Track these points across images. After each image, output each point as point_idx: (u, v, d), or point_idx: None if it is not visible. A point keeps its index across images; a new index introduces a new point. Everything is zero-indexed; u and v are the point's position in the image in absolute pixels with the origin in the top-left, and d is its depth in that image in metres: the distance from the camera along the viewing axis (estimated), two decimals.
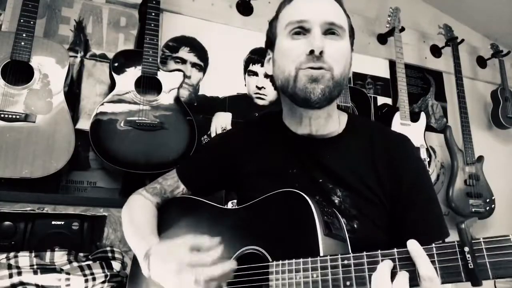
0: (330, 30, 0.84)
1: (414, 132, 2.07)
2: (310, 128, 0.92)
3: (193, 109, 1.69)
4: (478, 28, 2.68)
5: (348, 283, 0.63)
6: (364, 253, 0.63)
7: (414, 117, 2.11)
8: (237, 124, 1.86)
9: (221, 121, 1.87)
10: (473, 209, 2.08)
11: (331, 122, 0.94)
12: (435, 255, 0.58)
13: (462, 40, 2.39)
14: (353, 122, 0.97)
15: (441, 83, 2.50)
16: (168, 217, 1.01)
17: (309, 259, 0.68)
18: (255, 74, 2.00)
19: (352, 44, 0.92)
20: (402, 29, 2.21)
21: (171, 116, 1.56)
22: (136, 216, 0.98)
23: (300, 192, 0.77)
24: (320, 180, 0.88)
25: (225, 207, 0.98)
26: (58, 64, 1.44)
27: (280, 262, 0.72)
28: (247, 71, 1.99)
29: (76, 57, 1.67)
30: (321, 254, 0.69)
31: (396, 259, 0.61)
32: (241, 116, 1.90)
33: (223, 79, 1.92)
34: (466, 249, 0.55)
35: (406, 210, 0.86)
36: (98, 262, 1.16)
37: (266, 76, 2.01)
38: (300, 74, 0.83)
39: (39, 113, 1.37)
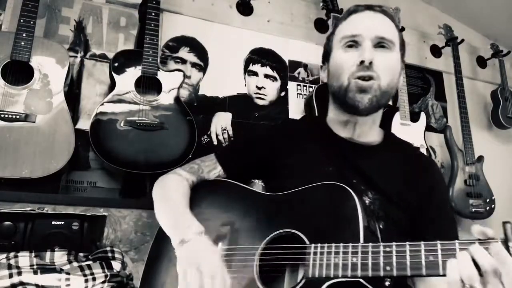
0: (380, 44, 0.94)
1: (414, 132, 2.07)
2: (353, 132, 1.01)
3: (193, 109, 1.69)
4: (478, 28, 2.68)
5: (388, 268, 0.66)
6: (407, 243, 0.66)
7: (414, 117, 2.11)
8: (237, 124, 1.87)
9: (221, 121, 1.87)
10: (473, 209, 2.08)
11: (373, 131, 1.04)
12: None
13: (462, 40, 2.39)
14: (389, 137, 1.08)
15: (441, 83, 2.50)
16: (205, 197, 1.03)
17: (350, 244, 0.71)
18: (255, 74, 2.00)
19: (402, 56, 1.01)
20: (402, 29, 2.21)
21: (171, 116, 1.56)
22: (170, 192, 1.02)
23: (345, 186, 0.80)
24: (354, 181, 0.93)
25: (263, 192, 0.98)
26: (58, 64, 1.44)
27: (319, 245, 0.75)
28: (247, 71, 1.99)
29: (76, 57, 1.67)
30: (361, 241, 0.72)
31: (457, 249, 0.63)
32: (241, 116, 1.90)
33: (223, 79, 1.92)
34: (511, 244, 0.61)
35: (429, 225, 0.94)
36: (98, 262, 1.16)
37: (266, 76, 2.01)
38: (352, 84, 0.92)
39: (39, 113, 1.37)
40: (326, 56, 1.05)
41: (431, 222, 0.95)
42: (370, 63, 0.91)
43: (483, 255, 0.60)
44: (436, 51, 2.50)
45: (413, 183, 0.96)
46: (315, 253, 0.74)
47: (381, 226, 0.88)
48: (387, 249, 0.67)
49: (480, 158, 2.22)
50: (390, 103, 2.27)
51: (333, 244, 0.73)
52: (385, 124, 2.03)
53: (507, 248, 0.61)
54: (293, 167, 1.00)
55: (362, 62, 0.91)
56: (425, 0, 2.55)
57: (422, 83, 2.43)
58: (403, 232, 0.92)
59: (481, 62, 2.66)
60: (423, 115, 2.14)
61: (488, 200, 2.13)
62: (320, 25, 2.19)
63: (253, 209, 0.93)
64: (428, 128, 2.22)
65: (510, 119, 2.42)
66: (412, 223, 0.94)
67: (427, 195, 0.96)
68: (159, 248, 1.00)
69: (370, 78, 0.91)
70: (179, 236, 0.86)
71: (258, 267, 0.82)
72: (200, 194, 1.04)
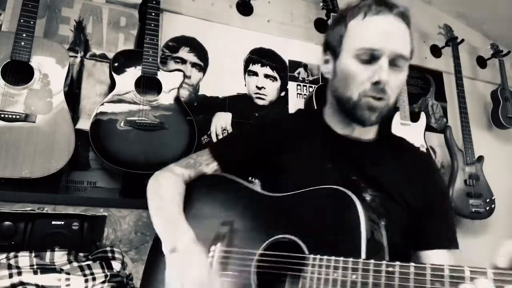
0: (395, 63, 0.90)
1: (414, 132, 2.07)
2: (352, 131, 1.00)
3: (193, 109, 1.69)
4: (478, 28, 2.68)
5: None
6: (412, 264, 0.61)
7: (414, 117, 2.11)
8: (237, 124, 1.87)
9: (221, 121, 1.87)
10: (473, 209, 2.08)
11: (371, 129, 1.02)
12: None
13: (462, 40, 2.39)
14: (383, 131, 1.06)
15: (441, 83, 2.50)
16: (204, 193, 0.99)
17: (350, 259, 0.66)
18: (255, 74, 2.00)
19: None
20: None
21: (171, 116, 1.56)
22: (164, 193, 0.97)
23: (349, 193, 0.76)
24: (354, 178, 0.92)
25: (263, 192, 0.93)
26: (58, 64, 1.44)
27: (319, 256, 0.70)
28: (247, 71, 1.99)
29: (76, 57, 1.67)
30: (363, 257, 0.67)
31: (468, 277, 0.56)
32: (241, 116, 1.90)
33: (223, 79, 1.92)
34: None
35: (426, 218, 0.94)
36: (98, 262, 1.16)
37: (266, 76, 2.01)
38: (362, 101, 0.90)
39: (39, 113, 1.37)
40: (330, 49, 0.98)
41: (426, 218, 0.94)
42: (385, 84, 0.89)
43: None
44: (436, 51, 2.50)
45: (411, 178, 0.96)
46: (313, 265, 0.70)
47: (383, 223, 0.85)
48: (390, 269, 0.62)
49: (480, 158, 2.22)
50: None
51: (333, 258, 0.68)
52: (385, 124, 2.03)
53: None
54: (291, 164, 0.98)
55: (377, 83, 0.88)
56: (425, 0, 2.55)
57: (422, 83, 2.43)
58: (401, 229, 0.90)
59: (481, 62, 2.66)
60: (423, 115, 2.14)
61: (488, 200, 2.13)
62: (320, 25, 2.19)
63: (253, 209, 0.89)
64: (428, 128, 2.22)
65: (510, 119, 2.42)
66: (410, 220, 0.92)
67: (425, 191, 0.95)
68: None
69: (381, 98, 0.90)
70: (171, 244, 0.84)
71: (256, 274, 0.78)
72: (200, 190, 1.00)
